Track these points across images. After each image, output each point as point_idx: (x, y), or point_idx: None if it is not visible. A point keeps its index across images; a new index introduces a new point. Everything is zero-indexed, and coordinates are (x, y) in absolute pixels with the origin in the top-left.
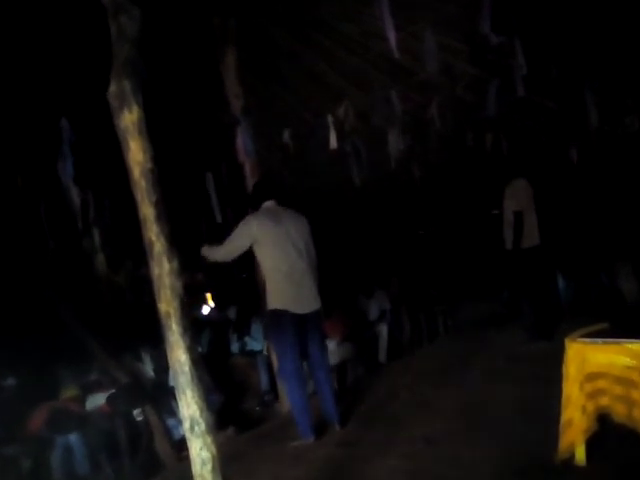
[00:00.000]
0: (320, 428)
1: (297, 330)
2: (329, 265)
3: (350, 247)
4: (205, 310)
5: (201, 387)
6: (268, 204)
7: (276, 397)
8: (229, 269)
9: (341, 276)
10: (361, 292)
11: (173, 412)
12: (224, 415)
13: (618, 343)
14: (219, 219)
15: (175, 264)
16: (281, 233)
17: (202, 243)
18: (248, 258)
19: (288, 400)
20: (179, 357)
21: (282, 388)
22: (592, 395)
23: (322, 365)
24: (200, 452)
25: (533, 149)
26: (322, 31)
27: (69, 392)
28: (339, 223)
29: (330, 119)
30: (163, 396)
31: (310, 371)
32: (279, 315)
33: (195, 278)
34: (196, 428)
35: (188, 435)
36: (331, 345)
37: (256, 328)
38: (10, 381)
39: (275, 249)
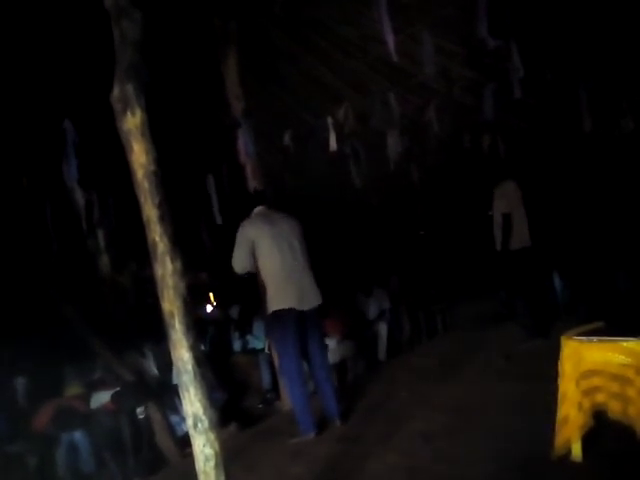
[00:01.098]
0: (321, 425)
1: (298, 329)
2: (329, 264)
3: (350, 247)
4: (209, 308)
5: (204, 385)
6: (259, 209)
7: (277, 395)
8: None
9: (341, 275)
10: (361, 291)
11: (176, 409)
12: (227, 412)
13: (613, 341)
14: (219, 220)
15: (178, 264)
16: (277, 234)
17: (204, 244)
18: None
19: (289, 398)
20: (182, 355)
21: (283, 386)
22: (588, 392)
23: (322, 363)
24: (203, 449)
25: (529, 151)
26: (321, 34)
27: (73, 390)
28: (339, 223)
29: (330, 121)
30: (167, 393)
31: (310, 369)
32: (281, 315)
33: (199, 278)
34: (199, 425)
35: (191, 432)
36: (331, 343)
37: (258, 327)
38: (15, 379)
39: (273, 250)
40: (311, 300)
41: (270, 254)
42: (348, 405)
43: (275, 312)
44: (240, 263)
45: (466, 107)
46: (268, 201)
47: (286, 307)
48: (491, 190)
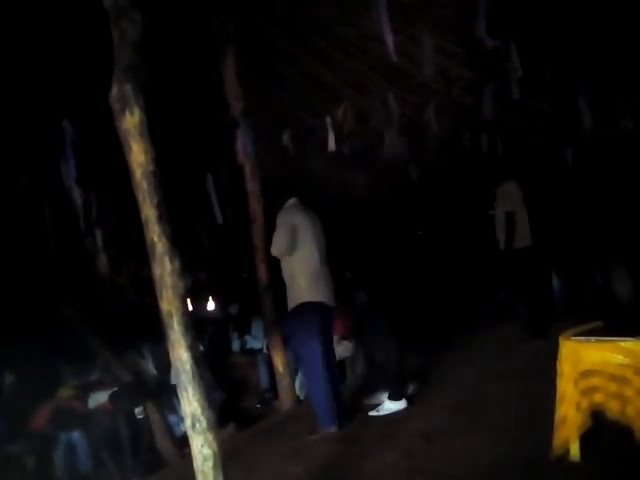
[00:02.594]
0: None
1: (322, 322)
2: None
3: (348, 246)
4: (210, 306)
5: (202, 385)
6: (293, 201)
7: (276, 395)
8: (230, 268)
9: (340, 275)
10: (359, 291)
11: (175, 409)
12: (225, 412)
13: (612, 341)
14: (219, 220)
15: (177, 264)
16: (314, 228)
17: (202, 244)
18: (248, 258)
19: (310, 392)
20: (180, 355)
21: (282, 386)
22: (586, 392)
23: (333, 362)
24: (201, 449)
25: (528, 151)
26: (321, 34)
27: (71, 390)
28: (338, 223)
29: (329, 121)
30: (165, 394)
31: None
32: (310, 307)
33: (198, 277)
34: (197, 425)
35: (190, 432)
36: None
37: (256, 327)
38: (13, 379)
39: (312, 242)
40: (334, 298)
41: (310, 246)
42: (347, 405)
43: (305, 304)
44: (283, 246)
45: (465, 107)
46: (300, 194)
47: (318, 300)
48: (491, 190)
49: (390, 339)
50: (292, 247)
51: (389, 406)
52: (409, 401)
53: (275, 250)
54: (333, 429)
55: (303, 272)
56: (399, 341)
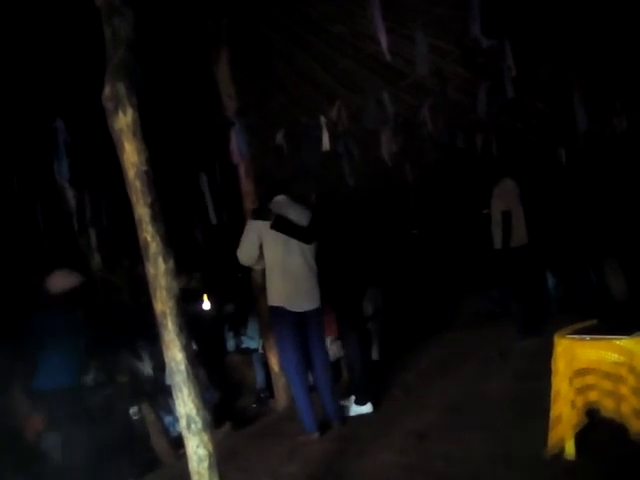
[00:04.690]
0: (322, 425)
1: (296, 327)
2: (324, 263)
3: (344, 246)
4: (206, 305)
5: (197, 385)
6: (279, 198)
7: (271, 394)
8: (225, 268)
9: (335, 274)
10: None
11: (170, 410)
12: (220, 412)
13: (606, 339)
14: (214, 220)
15: (171, 264)
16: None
17: (197, 243)
18: None
19: (293, 395)
20: (175, 356)
21: (278, 385)
22: (581, 390)
23: (323, 365)
24: (197, 449)
25: (523, 150)
26: (314, 32)
27: None
28: (333, 222)
29: (323, 120)
30: (161, 394)
31: (311, 370)
32: (277, 312)
33: (193, 277)
34: (192, 426)
35: (185, 433)
36: (325, 343)
37: (252, 326)
38: (9, 380)
39: (277, 245)
40: (306, 303)
41: (274, 248)
42: (342, 404)
43: (272, 307)
44: (245, 254)
45: (460, 106)
46: (291, 191)
47: (281, 305)
48: (486, 188)
49: (353, 347)
50: (256, 253)
51: (355, 409)
52: (375, 405)
53: (240, 258)
54: (314, 436)
55: (273, 274)
56: (362, 349)
